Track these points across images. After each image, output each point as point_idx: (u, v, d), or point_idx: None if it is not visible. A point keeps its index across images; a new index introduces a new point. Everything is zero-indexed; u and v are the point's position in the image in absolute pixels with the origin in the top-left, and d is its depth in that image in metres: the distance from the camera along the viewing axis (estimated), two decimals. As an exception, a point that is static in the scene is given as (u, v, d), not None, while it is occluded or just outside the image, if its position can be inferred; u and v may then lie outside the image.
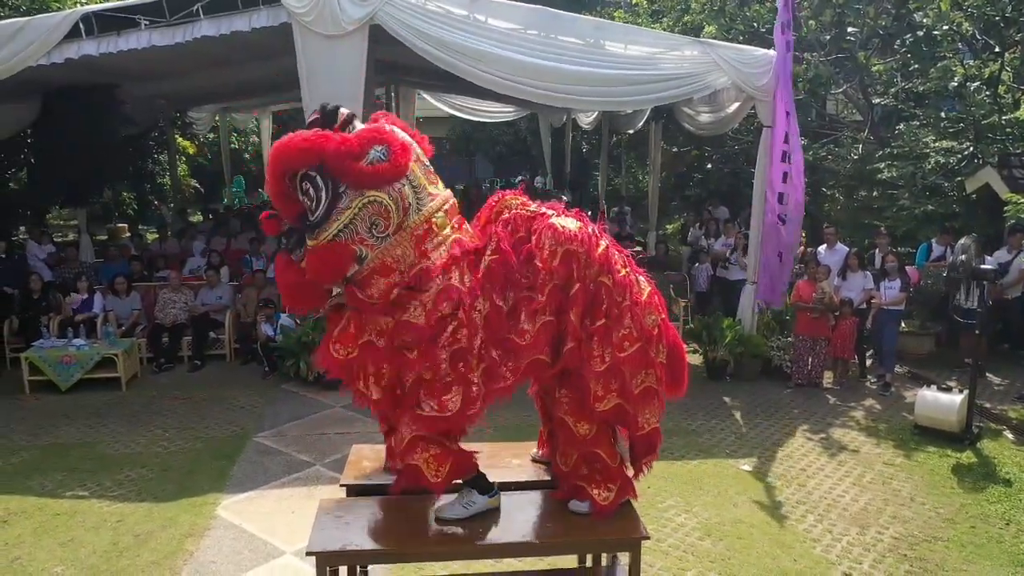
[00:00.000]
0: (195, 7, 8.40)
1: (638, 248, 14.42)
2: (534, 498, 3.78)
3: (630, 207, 17.80)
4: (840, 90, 11.68)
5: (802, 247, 12.46)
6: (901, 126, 11.79)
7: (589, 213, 12.92)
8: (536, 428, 4.24)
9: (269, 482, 6.78)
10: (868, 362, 9.82)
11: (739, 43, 12.58)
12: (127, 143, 14.05)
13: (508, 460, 4.14)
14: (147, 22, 8.45)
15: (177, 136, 19.34)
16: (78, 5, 11.45)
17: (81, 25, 8.40)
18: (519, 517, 3.55)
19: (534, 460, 4.14)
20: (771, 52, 8.90)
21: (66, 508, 6.31)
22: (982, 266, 7.60)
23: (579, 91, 8.50)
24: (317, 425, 8.09)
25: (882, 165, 11.40)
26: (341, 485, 3.89)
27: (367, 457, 4.05)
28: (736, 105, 10.26)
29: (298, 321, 9.52)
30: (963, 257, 9.10)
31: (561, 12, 8.60)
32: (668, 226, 19.52)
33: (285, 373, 9.28)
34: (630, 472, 3.80)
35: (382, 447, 4.00)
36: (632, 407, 3.58)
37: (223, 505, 6.36)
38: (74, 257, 11.96)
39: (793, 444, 7.65)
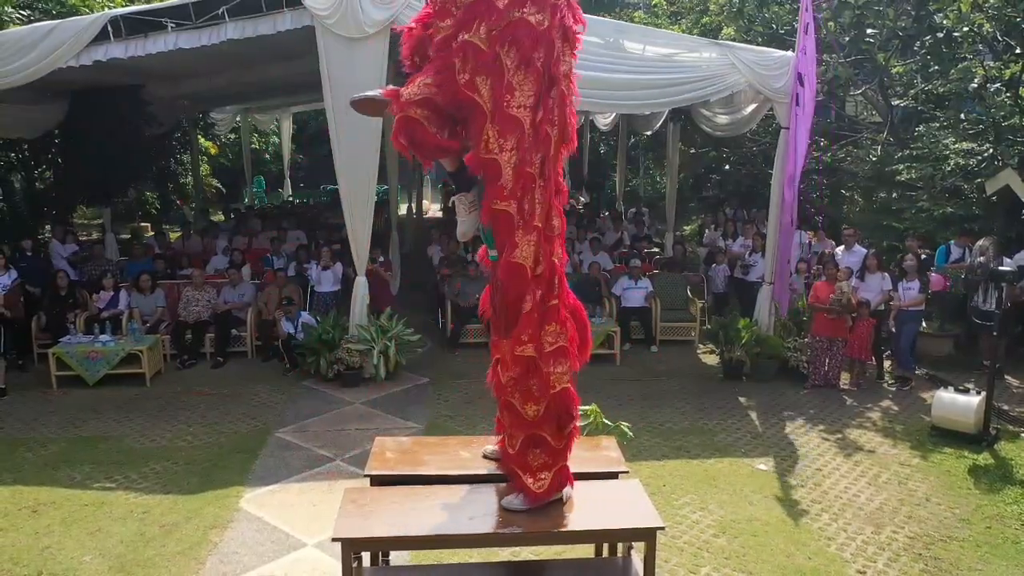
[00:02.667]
0: (221, 10, 8.55)
1: (655, 249, 14.50)
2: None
3: (648, 208, 17.83)
4: (859, 91, 11.66)
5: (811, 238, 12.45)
6: (921, 127, 11.76)
7: (606, 214, 12.99)
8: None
9: (290, 476, 6.91)
10: (886, 363, 9.81)
11: (759, 43, 12.67)
12: (151, 143, 14.27)
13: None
14: (173, 25, 8.61)
15: (199, 136, 19.59)
16: (106, 8, 11.62)
17: (109, 28, 8.57)
18: (538, 508, 3.62)
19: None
20: (789, 54, 8.94)
21: (94, 499, 6.46)
22: (1000, 268, 7.59)
23: (598, 95, 8.55)
24: (337, 421, 8.22)
25: (901, 167, 11.39)
26: (365, 475, 3.99)
27: (390, 448, 4.14)
28: (753, 107, 10.30)
29: (318, 319, 9.66)
30: (981, 259, 9.12)
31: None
32: (686, 227, 19.54)
33: (305, 370, 9.42)
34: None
35: (405, 439, 4.10)
36: (543, 361, 3.55)
37: (246, 498, 6.49)
38: (100, 255, 12.17)
39: (809, 444, 7.68)
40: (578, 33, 3.47)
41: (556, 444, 3.59)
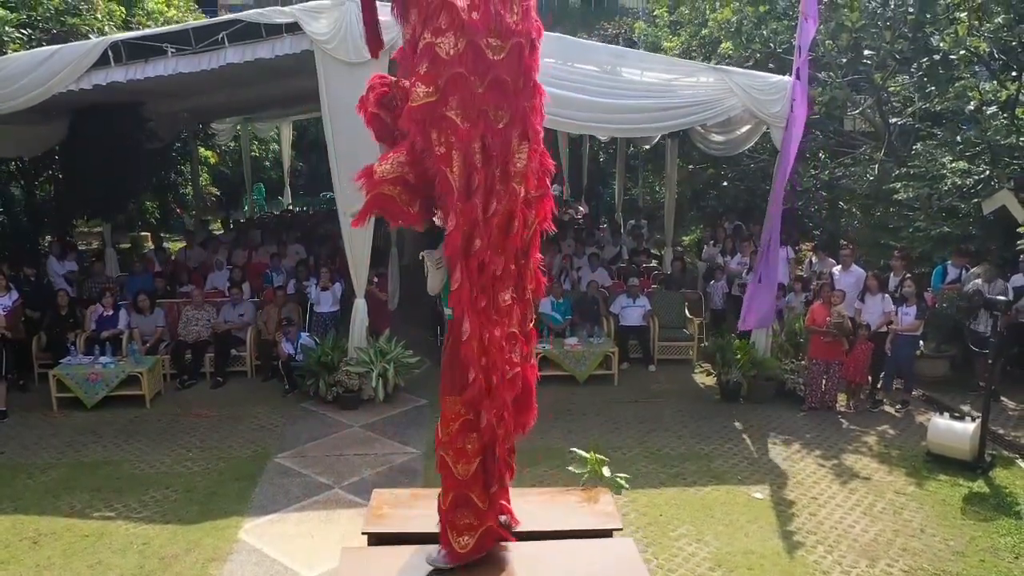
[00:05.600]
0: (220, 36, 8.60)
1: (654, 263, 14.54)
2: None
3: (647, 220, 17.85)
4: (857, 111, 11.70)
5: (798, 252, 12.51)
6: (918, 145, 11.80)
7: (605, 225, 12.98)
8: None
9: (289, 505, 6.96)
10: (880, 383, 9.83)
11: (756, 60, 12.72)
12: (151, 156, 14.29)
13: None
14: (174, 50, 8.65)
15: (199, 147, 19.62)
16: (105, 27, 11.66)
17: (110, 52, 8.61)
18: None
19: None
20: (785, 78, 8.98)
21: (94, 529, 6.52)
22: (996, 296, 7.63)
23: (596, 118, 8.60)
24: (336, 446, 8.26)
25: (898, 185, 11.42)
26: (363, 533, 4.02)
27: (387, 503, 4.17)
28: (747, 127, 10.34)
29: (317, 340, 9.71)
30: (977, 281, 9.19)
31: (579, 40, 8.72)
32: (685, 237, 19.56)
33: (305, 391, 9.46)
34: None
35: (402, 492, 4.15)
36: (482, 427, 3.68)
37: (245, 528, 6.54)
38: (100, 271, 12.20)
39: (805, 470, 7.72)
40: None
41: (482, 505, 3.70)
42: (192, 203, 20.78)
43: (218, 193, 24.77)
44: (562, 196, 24.49)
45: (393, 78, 3.80)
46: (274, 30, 8.65)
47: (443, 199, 3.45)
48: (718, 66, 9.45)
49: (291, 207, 24.54)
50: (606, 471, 4.37)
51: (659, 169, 19.03)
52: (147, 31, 8.84)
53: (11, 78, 8.55)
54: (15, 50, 10.01)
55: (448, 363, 3.68)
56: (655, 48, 17.03)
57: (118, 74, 8.78)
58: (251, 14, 8.78)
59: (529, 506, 4.03)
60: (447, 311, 3.74)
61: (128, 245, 19.47)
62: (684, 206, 17.97)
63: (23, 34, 10.33)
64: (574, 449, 4.82)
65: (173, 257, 15.26)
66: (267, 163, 27.39)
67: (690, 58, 16.02)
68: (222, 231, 18.91)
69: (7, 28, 10.06)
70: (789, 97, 8.77)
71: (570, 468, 4.77)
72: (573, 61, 8.45)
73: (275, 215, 22.18)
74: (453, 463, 3.63)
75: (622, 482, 4.42)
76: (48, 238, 16.32)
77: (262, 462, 7.86)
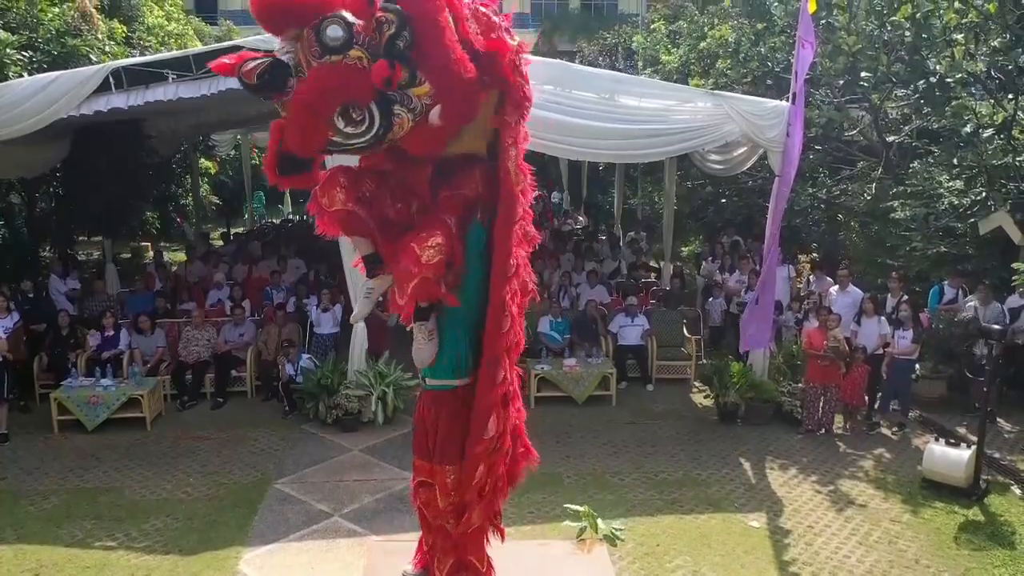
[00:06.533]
0: (221, 61, 8.62)
1: (653, 278, 14.59)
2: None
3: (645, 232, 17.90)
4: (854, 132, 11.75)
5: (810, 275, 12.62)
6: (916, 163, 11.84)
7: (604, 237, 13.00)
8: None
9: (289, 534, 7.01)
10: (877, 405, 9.88)
11: (754, 78, 12.77)
12: (152, 170, 14.34)
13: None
14: (174, 76, 8.70)
15: (200, 158, 19.68)
16: (106, 46, 11.71)
17: (111, 79, 8.66)
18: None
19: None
20: (783, 104, 9.03)
21: (96, 560, 6.57)
22: (991, 325, 7.69)
23: (595, 144, 8.66)
24: (336, 471, 8.31)
25: (896, 203, 11.45)
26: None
27: (382, 560, 4.20)
28: (744, 149, 10.39)
29: (317, 364, 9.76)
30: (971, 306, 9.25)
31: (577, 66, 8.77)
32: (684, 248, 19.61)
33: (305, 414, 9.51)
34: None
35: (394, 546, 4.17)
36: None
37: (245, 559, 6.59)
38: (101, 290, 12.24)
39: (802, 497, 7.77)
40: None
41: (482, 567, 3.79)
42: (192, 213, 20.83)
43: (218, 202, 24.82)
44: (562, 204, 24.57)
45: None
46: (274, 57, 8.68)
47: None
48: (715, 91, 9.50)
49: (291, 216, 24.60)
50: (601, 524, 4.40)
51: (658, 180, 19.07)
52: (148, 58, 8.88)
53: (11, 105, 8.59)
54: (16, 72, 10.07)
55: (449, 430, 3.70)
56: (654, 61, 17.10)
57: (119, 100, 8.84)
58: (252, 40, 8.79)
59: (525, 560, 4.08)
60: (438, 382, 3.77)
61: (128, 255, 19.55)
62: (683, 218, 18.01)
63: (24, 56, 10.34)
64: (568, 505, 4.86)
65: (174, 268, 15.34)
66: (268, 171, 27.41)
67: (688, 72, 16.15)
68: (222, 243, 18.92)
69: (8, 51, 10.07)
70: (786, 122, 8.82)
71: (566, 523, 4.80)
72: (571, 88, 8.49)
73: (275, 225, 22.22)
74: (454, 528, 3.68)
75: (618, 534, 4.46)
76: (49, 248, 16.42)
77: (262, 488, 7.91)
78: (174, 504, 7.58)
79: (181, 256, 19.86)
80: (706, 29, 15.33)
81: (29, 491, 7.86)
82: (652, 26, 18.71)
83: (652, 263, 15.96)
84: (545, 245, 15.07)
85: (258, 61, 2.96)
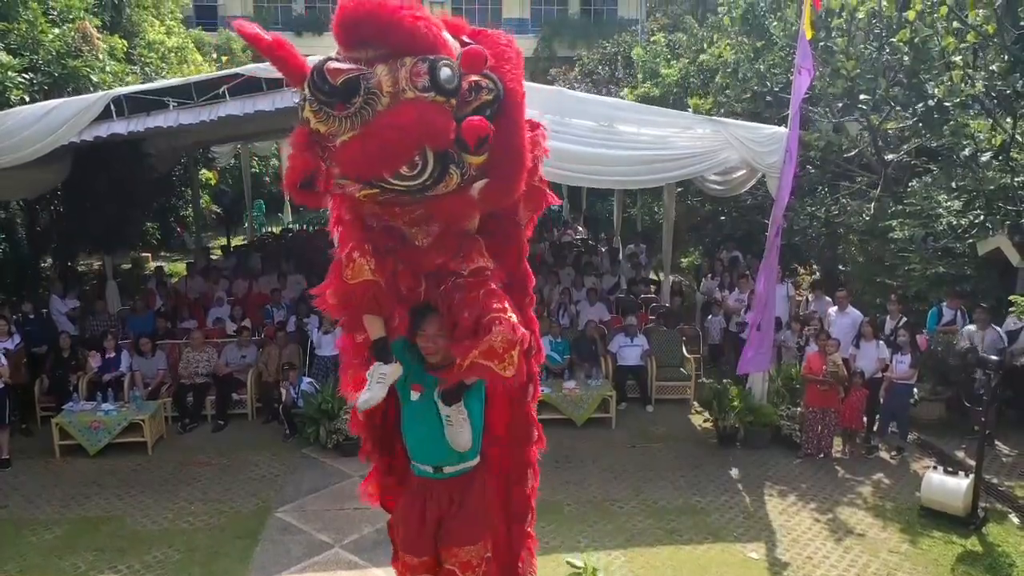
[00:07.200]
0: (222, 90, 8.68)
1: (652, 289, 14.62)
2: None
3: (645, 244, 17.91)
4: (852, 152, 11.77)
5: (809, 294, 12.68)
6: (914, 182, 11.87)
7: (604, 250, 12.93)
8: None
9: (290, 566, 7.04)
10: (876, 427, 9.91)
11: (753, 94, 12.80)
12: (153, 185, 14.36)
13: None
14: (175, 103, 8.73)
15: (200, 169, 19.69)
16: (107, 66, 11.73)
17: (112, 107, 8.69)
18: None
19: None
20: (781, 130, 9.06)
21: (97, 595, 6.60)
22: (989, 356, 7.72)
23: (594, 171, 8.68)
24: (336, 498, 8.33)
25: (894, 223, 11.49)
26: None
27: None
28: (743, 172, 10.41)
29: (318, 388, 9.79)
30: (969, 331, 9.29)
31: (577, 93, 8.80)
32: (683, 259, 19.63)
33: (305, 437, 9.54)
34: None
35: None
36: None
37: (246, 594, 6.62)
38: (103, 309, 12.26)
39: (801, 526, 7.80)
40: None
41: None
42: (192, 224, 20.85)
43: (218, 210, 24.84)
44: (561, 212, 24.59)
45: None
46: (275, 83, 8.74)
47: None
48: (714, 118, 9.52)
49: (291, 225, 24.62)
50: (600, 578, 4.44)
51: (658, 193, 19.11)
52: (149, 86, 8.91)
53: (11, 132, 8.61)
54: (18, 96, 10.09)
55: (478, 506, 3.74)
56: (653, 74, 17.11)
57: (119, 126, 8.88)
58: (252, 68, 8.86)
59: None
60: (464, 465, 3.80)
61: (129, 265, 19.59)
62: (682, 231, 18.03)
63: (25, 79, 10.36)
64: (570, 560, 4.89)
65: (174, 280, 15.37)
66: (267, 178, 27.47)
67: (688, 85, 16.17)
68: (222, 254, 18.92)
69: (10, 73, 10.09)
70: (784, 148, 8.85)
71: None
72: (569, 116, 8.52)
73: (274, 235, 22.23)
74: None
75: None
76: (49, 259, 16.44)
77: (263, 517, 7.94)
78: (175, 535, 7.61)
79: (181, 267, 19.94)
80: (705, 44, 15.35)
81: (31, 520, 7.89)
82: (652, 38, 18.70)
83: (652, 275, 15.99)
84: (544, 259, 15.13)
85: (348, 66, 2.86)
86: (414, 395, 3.67)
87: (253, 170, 24.42)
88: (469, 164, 2.98)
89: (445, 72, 2.87)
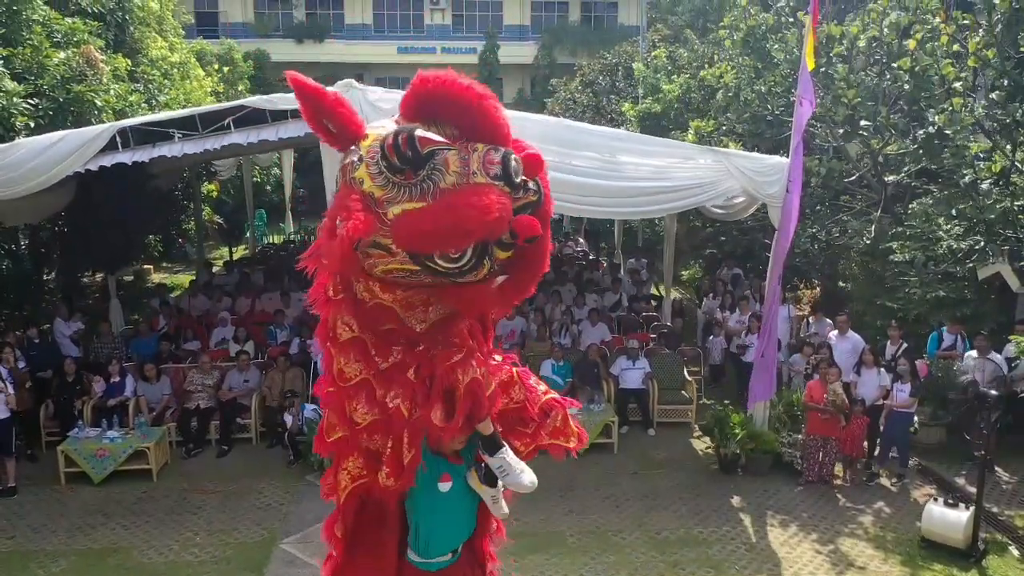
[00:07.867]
0: (227, 121, 8.74)
1: (653, 305, 14.69)
2: None
3: (646, 259, 17.95)
4: (852, 177, 11.83)
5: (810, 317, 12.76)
6: (914, 204, 11.91)
7: (606, 266, 12.97)
8: None
9: (296, 602, 7.10)
10: (877, 453, 9.95)
11: (753, 119, 12.85)
12: (155, 202, 14.41)
13: None
14: (180, 135, 8.79)
15: (203, 183, 19.76)
16: (111, 88, 11.78)
17: (118, 138, 8.75)
18: None
19: None
20: (783, 159, 9.12)
21: (105, 633, 6.65)
22: (990, 391, 7.78)
23: (596, 202, 8.75)
24: (341, 529, 8.37)
25: (895, 245, 11.53)
26: None
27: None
28: (744, 199, 10.45)
29: (321, 413, 9.82)
30: (970, 361, 9.34)
31: (580, 124, 8.86)
32: (684, 272, 19.67)
33: (310, 464, 9.59)
34: None
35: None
36: None
37: (253, 632, 6.67)
38: (107, 331, 12.30)
39: (802, 558, 7.85)
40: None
41: None
42: (194, 237, 20.91)
43: (220, 221, 24.89)
44: (561, 222, 24.62)
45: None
46: (279, 115, 8.79)
47: None
48: (715, 148, 9.58)
49: (293, 236, 24.65)
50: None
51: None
52: (153, 117, 8.98)
53: (17, 164, 8.67)
54: (23, 122, 10.15)
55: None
56: (654, 90, 17.16)
57: (124, 156, 8.94)
58: (256, 100, 8.92)
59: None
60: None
61: (131, 278, 19.65)
62: (683, 243, 18.08)
63: (30, 105, 10.42)
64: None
65: (176, 294, 15.43)
66: (268, 187, 27.51)
67: (689, 100, 16.23)
68: (223, 270, 18.95)
69: (15, 99, 10.15)
70: (786, 178, 8.90)
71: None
72: (571, 147, 8.57)
73: (276, 247, 22.28)
74: None
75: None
76: (51, 273, 16.49)
77: (268, 548, 8.00)
78: (182, 567, 7.67)
79: (182, 279, 20.01)
80: (705, 63, 15.40)
81: (37, 552, 7.95)
82: (653, 53, 18.73)
83: (653, 290, 16.03)
84: (545, 276, 15.12)
85: (438, 138, 2.78)
86: (444, 487, 3.65)
87: (255, 179, 24.48)
88: (496, 258, 3.03)
89: (515, 165, 2.90)
